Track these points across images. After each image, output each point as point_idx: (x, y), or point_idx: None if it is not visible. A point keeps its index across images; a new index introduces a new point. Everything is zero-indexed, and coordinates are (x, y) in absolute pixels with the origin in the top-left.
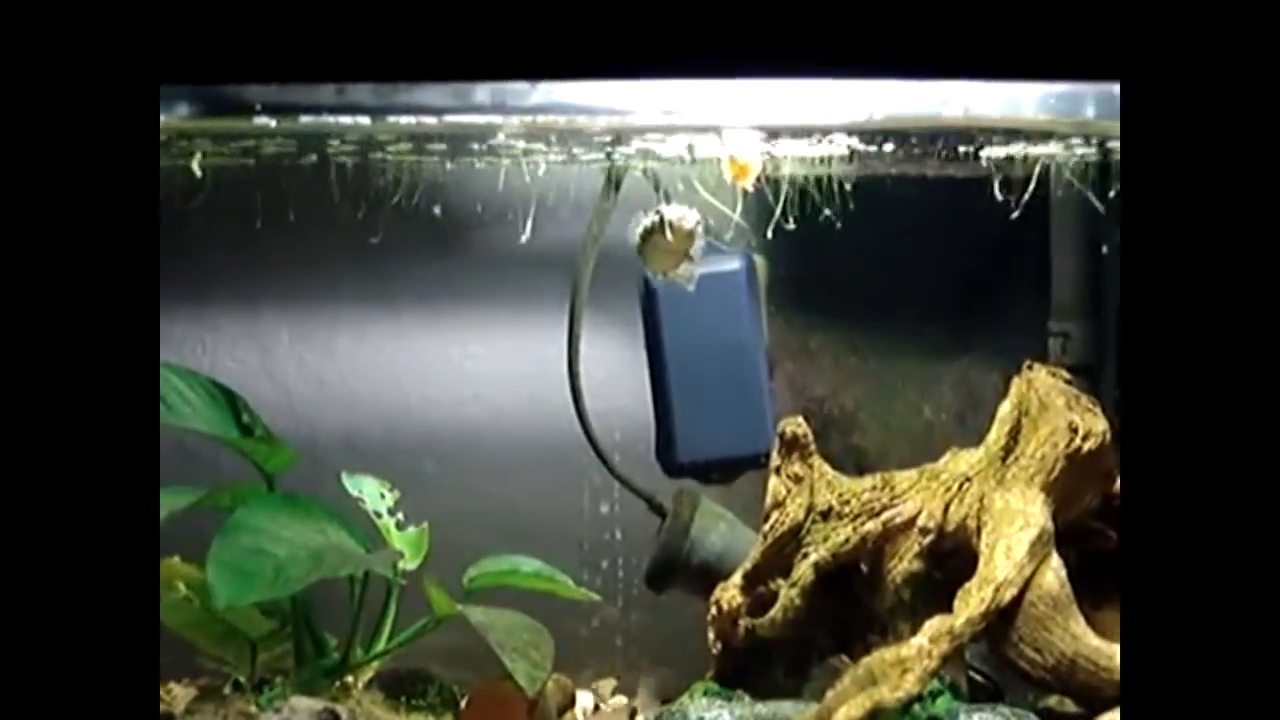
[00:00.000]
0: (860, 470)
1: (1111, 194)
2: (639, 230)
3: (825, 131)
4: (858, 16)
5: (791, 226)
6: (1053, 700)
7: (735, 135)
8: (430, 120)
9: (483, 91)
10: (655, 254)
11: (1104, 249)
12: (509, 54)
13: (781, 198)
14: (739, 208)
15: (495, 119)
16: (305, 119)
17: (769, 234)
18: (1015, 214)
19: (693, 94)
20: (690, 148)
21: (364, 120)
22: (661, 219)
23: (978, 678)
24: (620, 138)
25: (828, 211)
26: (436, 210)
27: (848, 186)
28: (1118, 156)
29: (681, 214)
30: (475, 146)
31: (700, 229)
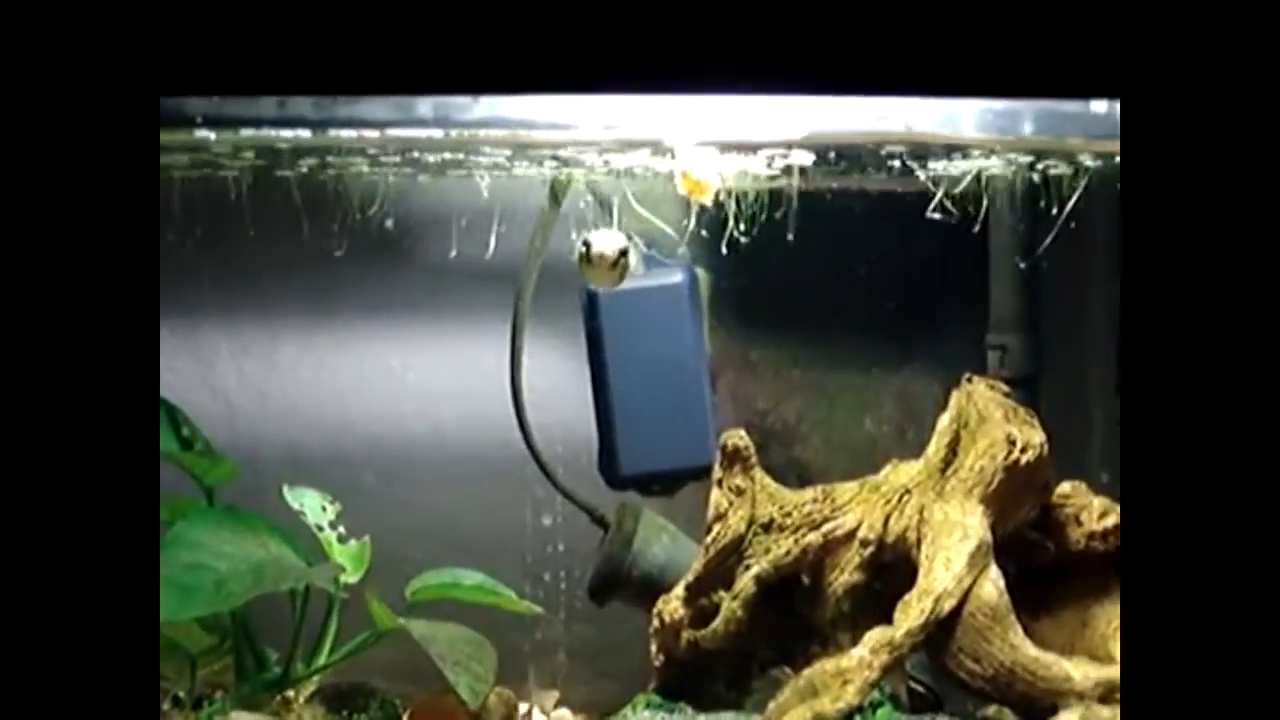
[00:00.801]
0: (802, 482)
1: (1055, 209)
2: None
3: (769, 146)
4: (850, 31)
5: (734, 241)
6: (991, 710)
7: (690, 151)
8: (372, 134)
9: (425, 105)
10: (592, 275)
11: (1020, 264)
12: (451, 67)
13: (729, 211)
14: (690, 222)
15: (437, 133)
16: (246, 132)
17: (719, 248)
18: (954, 228)
19: (634, 108)
20: (674, 173)
21: (305, 134)
22: (587, 247)
23: (918, 688)
24: (564, 152)
25: (769, 226)
26: (388, 223)
27: (788, 201)
28: (1053, 171)
29: (605, 242)
30: (424, 160)
31: (627, 255)
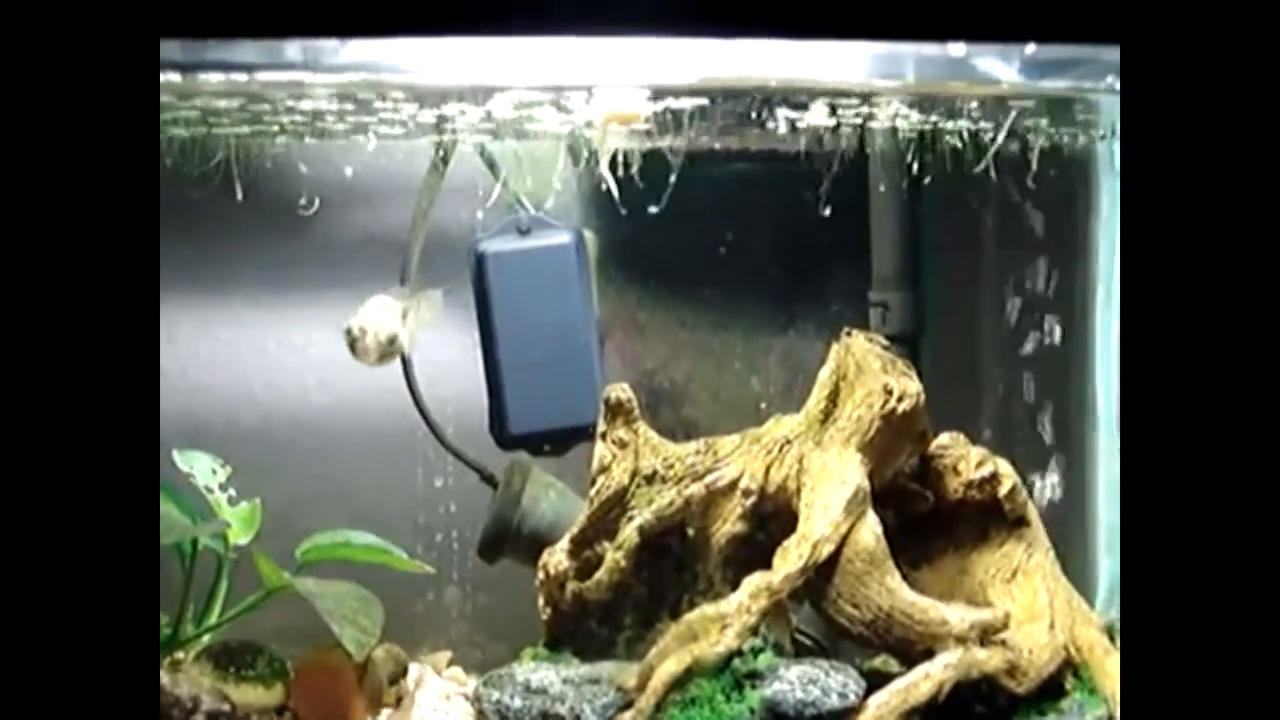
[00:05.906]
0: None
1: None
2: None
3: (658, 93)
4: None
5: (618, 201)
6: (878, 661)
7: (609, 94)
8: (241, 77)
9: (294, 49)
10: (360, 352)
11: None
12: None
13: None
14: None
15: (305, 77)
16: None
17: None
18: (835, 186)
19: (519, 55)
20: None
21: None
22: (350, 331)
23: (805, 640)
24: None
25: (655, 189)
26: (279, 194)
27: (673, 159)
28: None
29: (374, 325)
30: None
31: (400, 337)
